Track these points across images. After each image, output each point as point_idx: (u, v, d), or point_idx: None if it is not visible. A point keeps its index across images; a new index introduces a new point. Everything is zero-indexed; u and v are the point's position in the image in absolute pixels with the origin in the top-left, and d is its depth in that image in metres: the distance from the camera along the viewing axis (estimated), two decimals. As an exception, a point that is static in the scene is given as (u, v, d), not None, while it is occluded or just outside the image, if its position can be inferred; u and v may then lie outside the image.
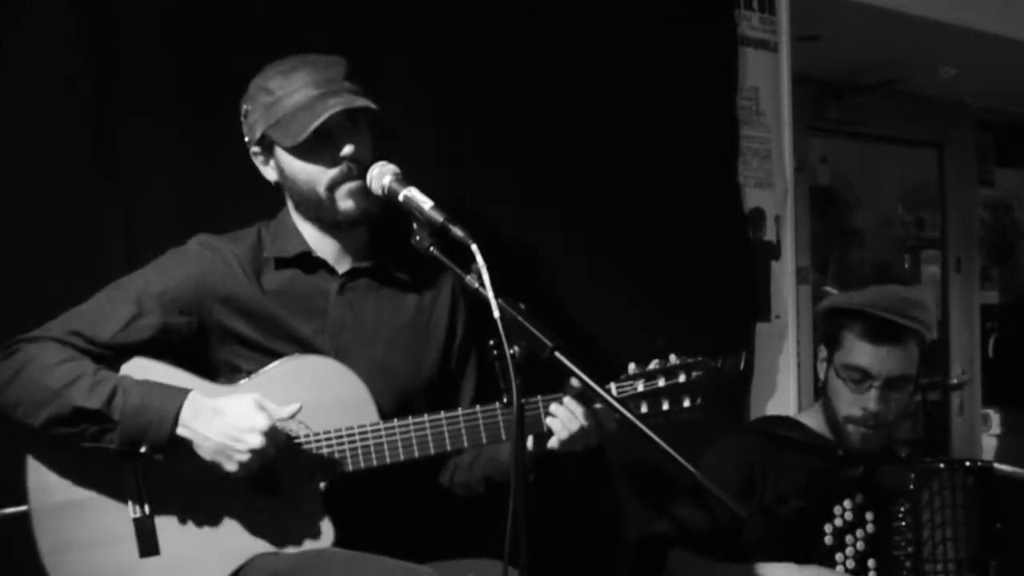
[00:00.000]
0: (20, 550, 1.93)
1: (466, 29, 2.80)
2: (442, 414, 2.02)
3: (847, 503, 2.52)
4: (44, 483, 1.94)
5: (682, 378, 2.09)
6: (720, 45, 3.30)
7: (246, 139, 2.12)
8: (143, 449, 1.91)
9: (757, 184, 3.38)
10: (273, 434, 1.89)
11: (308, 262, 2.13)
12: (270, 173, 2.13)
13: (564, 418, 2.03)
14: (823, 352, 2.73)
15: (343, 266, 2.15)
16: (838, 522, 2.51)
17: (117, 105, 2.35)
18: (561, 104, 2.93)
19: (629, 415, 1.73)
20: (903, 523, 2.52)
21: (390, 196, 2.00)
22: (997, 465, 2.64)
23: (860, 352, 2.60)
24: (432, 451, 2.02)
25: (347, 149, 2.04)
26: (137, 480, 1.95)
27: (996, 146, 5.32)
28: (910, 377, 2.62)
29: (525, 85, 2.88)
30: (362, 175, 2.04)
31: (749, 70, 3.36)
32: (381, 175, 2.02)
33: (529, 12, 2.89)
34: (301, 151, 2.04)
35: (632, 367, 2.10)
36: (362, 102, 2.02)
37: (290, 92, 2.02)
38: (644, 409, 2.07)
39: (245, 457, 1.88)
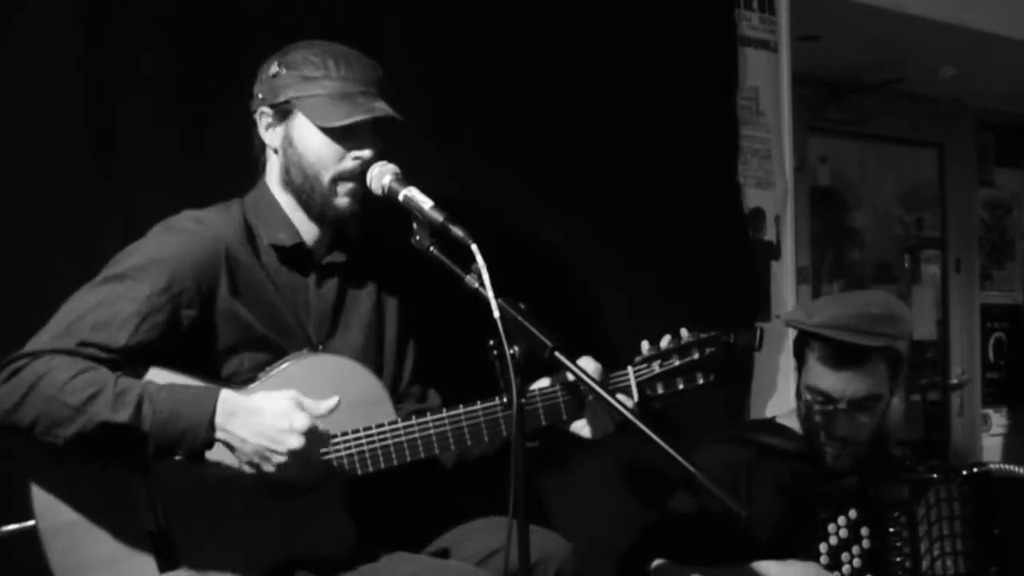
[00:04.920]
0: (27, 568, 1.85)
1: (466, 28, 2.80)
2: (461, 408, 2.01)
3: (841, 520, 2.46)
4: (51, 502, 1.84)
5: (696, 355, 2.08)
6: (720, 45, 3.30)
7: (259, 95, 2.08)
8: (177, 457, 1.84)
9: (757, 184, 3.38)
10: (312, 434, 1.83)
11: (300, 254, 2.10)
12: (272, 138, 2.09)
13: (602, 420, 2.09)
14: (795, 362, 2.66)
15: (319, 257, 2.13)
16: (833, 540, 2.46)
17: (117, 104, 2.34)
18: (561, 104, 2.93)
19: (631, 416, 1.75)
20: (900, 537, 2.47)
21: (390, 195, 2.00)
22: (994, 466, 2.59)
23: (821, 376, 2.52)
24: (452, 447, 2.01)
25: (368, 152, 2.04)
26: (149, 491, 1.86)
27: (996, 146, 5.32)
28: (878, 396, 2.53)
29: (524, 85, 2.88)
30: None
31: (749, 70, 3.37)
32: (381, 174, 2.02)
33: (529, 12, 2.89)
34: (326, 133, 2.03)
35: (645, 346, 2.11)
36: (397, 115, 2.04)
37: (337, 77, 2.03)
38: (660, 390, 2.09)
39: (283, 459, 1.81)
